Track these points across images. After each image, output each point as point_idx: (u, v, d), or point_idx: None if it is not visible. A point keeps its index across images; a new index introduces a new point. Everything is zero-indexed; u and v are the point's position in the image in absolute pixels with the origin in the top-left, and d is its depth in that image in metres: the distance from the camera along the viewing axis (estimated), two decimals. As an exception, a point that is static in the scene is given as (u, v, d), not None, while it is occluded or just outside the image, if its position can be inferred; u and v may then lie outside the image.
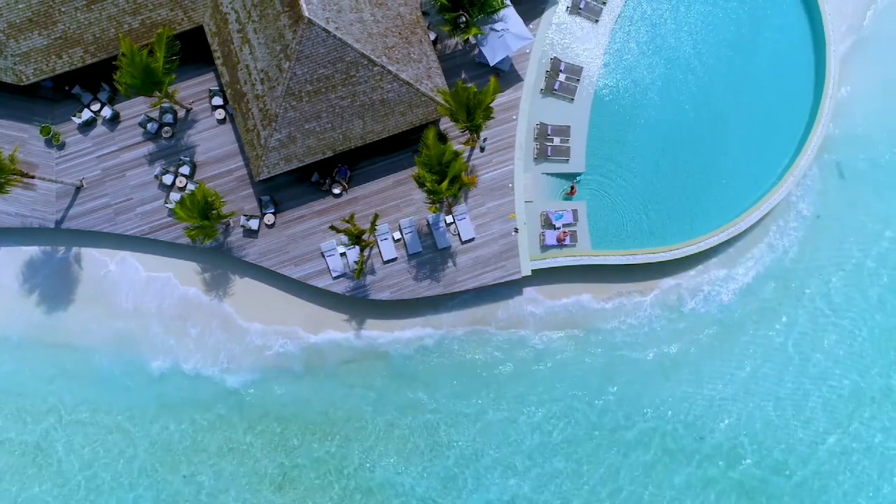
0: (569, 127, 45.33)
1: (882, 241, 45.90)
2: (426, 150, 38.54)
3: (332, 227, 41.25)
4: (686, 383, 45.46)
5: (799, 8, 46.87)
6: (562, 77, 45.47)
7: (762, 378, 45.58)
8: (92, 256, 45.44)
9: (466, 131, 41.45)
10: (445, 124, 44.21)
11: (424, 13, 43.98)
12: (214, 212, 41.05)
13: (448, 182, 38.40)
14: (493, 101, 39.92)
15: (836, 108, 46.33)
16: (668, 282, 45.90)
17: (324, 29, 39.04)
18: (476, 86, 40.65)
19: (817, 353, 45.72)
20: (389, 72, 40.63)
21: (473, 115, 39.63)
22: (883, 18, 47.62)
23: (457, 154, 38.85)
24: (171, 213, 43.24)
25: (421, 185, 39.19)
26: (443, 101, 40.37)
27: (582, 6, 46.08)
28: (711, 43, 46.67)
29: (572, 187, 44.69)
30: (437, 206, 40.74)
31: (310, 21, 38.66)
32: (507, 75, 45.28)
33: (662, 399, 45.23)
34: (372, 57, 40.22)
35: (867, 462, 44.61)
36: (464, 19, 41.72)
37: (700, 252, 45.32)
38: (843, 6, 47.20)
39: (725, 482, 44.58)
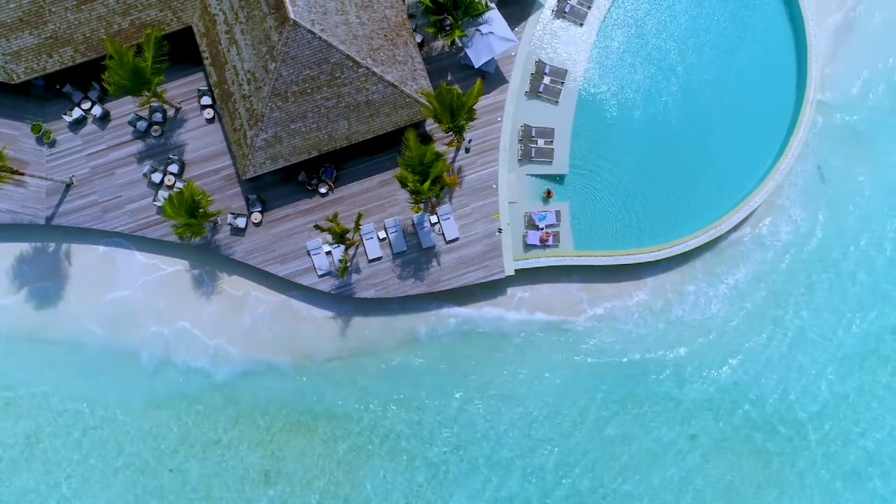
0: (553, 129, 45.90)
1: (859, 242, 46.45)
2: (408, 151, 39.17)
3: (317, 226, 41.84)
4: (668, 381, 46.01)
5: (782, 14, 47.35)
6: (546, 80, 46.04)
7: (742, 382, 46.14)
8: (81, 253, 46.05)
9: (451, 132, 42.00)
10: (430, 125, 44.78)
11: (410, 16, 44.58)
12: (201, 210, 41.64)
13: (430, 182, 39.00)
14: (475, 103, 40.53)
15: (818, 110, 46.81)
16: (650, 282, 46.43)
17: (309, 31, 39.64)
18: (460, 88, 41.28)
19: (800, 356, 46.30)
20: (374, 73, 41.22)
21: (457, 116, 40.22)
22: (865, 23, 47.98)
23: (438, 155, 39.47)
24: (160, 210, 43.83)
25: (404, 185, 39.79)
26: (426, 103, 40.93)
27: (567, 10, 46.64)
28: (695, 47, 47.26)
29: (548, 192, 45.18)
30: (420, 206, 41.32)
31: (295, 23, 39.27)
32: (492, 77, 45.85)
33: (645, 395, 45.73)
34: (357, 58, 40.83)
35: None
36: (448, 22, 42.26)
37: (682, 253, 45.85)
38: (825, 12, 47.65)
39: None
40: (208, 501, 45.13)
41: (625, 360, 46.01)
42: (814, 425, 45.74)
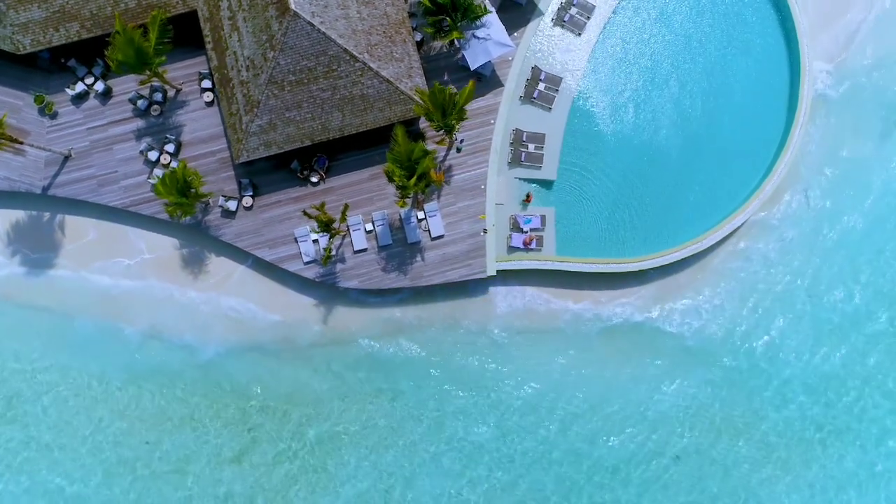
0: (544, 135, 46.67)
1: (836, 262, 47.25)
2: (396, 146, 40.01)
3: (304, 213, 42.69)
4: (645, 391, 46.78)
5: (778, 35, 48.01)
6: (541, 86, 46.82)
7: (714, 399, 46.85)
8: (75, 224, 46.98)
9: (441, 131, 42.82)
10: (424, 123, 45.59)
11: (411, 14, 45.39)
12: (193, 191, 42.57)
13: (416, 178, 39.81)
14: (467, 103, 41.36)
15: (807, 137, 47.49)
16: (628, 292, 47.10)
17: (309, 22, 40.52)
18: (455, 88, 42.17)
19: (776, 380, 47.00)
20: (370, 68, 42.09)
21: (448, 116, 41.05)
22: (860, 54, 48.63)
23: (426, 152, 40.29)
24: (153, 188, 44.76)
25: (391, 179, 40.64)
26: (419, 101, 41.75)
27: (566, 19, 47.40)
28: (691, 64, 48.00)
29: (528, 195, 45.92)
30: (406, 201, 42.13)
31: (295, 14, 40.17)
32: (488, 80, 46.66)
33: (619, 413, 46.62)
34: (354, 53, 41.70)
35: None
36: (446, 23, 43.06)
37: (664, 265, 46.52)
38: (822, 39, 48.38)
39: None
40: (180, 476, 45.92)
41: (603, 369, 46.70)
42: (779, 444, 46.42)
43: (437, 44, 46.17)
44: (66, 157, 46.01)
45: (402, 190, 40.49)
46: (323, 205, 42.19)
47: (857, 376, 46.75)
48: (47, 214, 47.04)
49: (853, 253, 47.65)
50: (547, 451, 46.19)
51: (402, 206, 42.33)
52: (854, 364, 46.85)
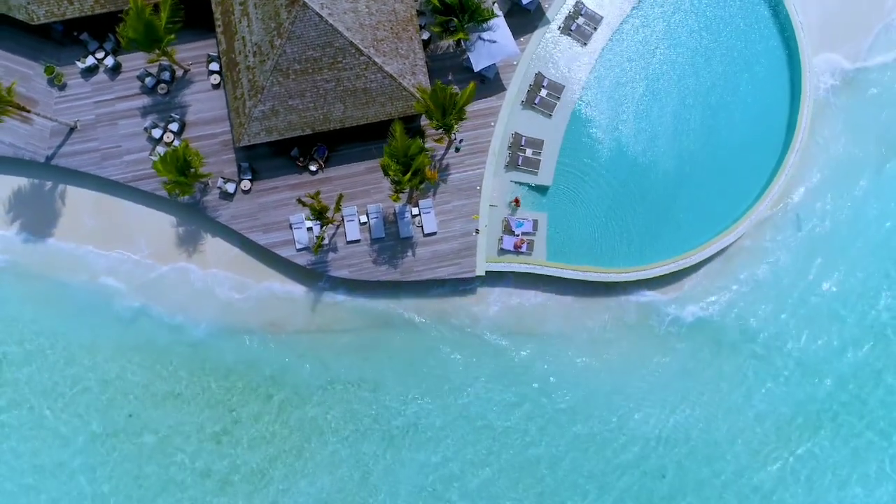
0: (542, 141, 47.23)
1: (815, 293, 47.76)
2: (394, 141, 40.66)
3: (299, 201, 43.36)
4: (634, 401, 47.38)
5: (782, 59, 48.46)
6: (543, 92, 47.37)
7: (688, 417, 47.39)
8: (75, 195, 47.74)
9: (440, 129, 43.42)
10: (425, 121, 46.16)
11: (420, 13, 45.98)
12: (192, 170, 43.27)
13: (410, 174, 40.43)
14: (466, 104, 41.95)
15: (803, 161, 47.91)
16: (615, 301, 47.55)
17: (317, 13, 41.21)
18: (455, 88, 42.76)
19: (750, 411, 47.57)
20: (375, 63, 42.75)
21: (447, 115, 41.65)
22: (864, 80, 49.10)
23: (422, 149, 40.90)
24: (153, 165, 45.39)
25: (386, 173, 41.27)
26: (420, 98, 42.37)
27: (573, 28, 47.94)
28: (693, 80, 48.49)
29: (516, 199, 46.45)
30: (400, 196, 42.74)
31: (304, 4, 40.89)
32: (491, 83, 47.27)
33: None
34: (360, 46, 42.37)
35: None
36: (453, 23, 43.65)
37: (651, 278, 47.01)
38: (826, 60, 48.93)
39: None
40: (160, 449, 46.59)
41: (582, 377, 47.23)
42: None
43: (444, 43, 46.76)
44: (72, 129, 46.79)
45: (397, 184, 41.13)
46: (318, 193, 42.84)
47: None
48: (49, 184, 47.81)
49: (845, 277, 48.09)
50: (524, 448, 46.67)
51: (395, 201, 42.92)
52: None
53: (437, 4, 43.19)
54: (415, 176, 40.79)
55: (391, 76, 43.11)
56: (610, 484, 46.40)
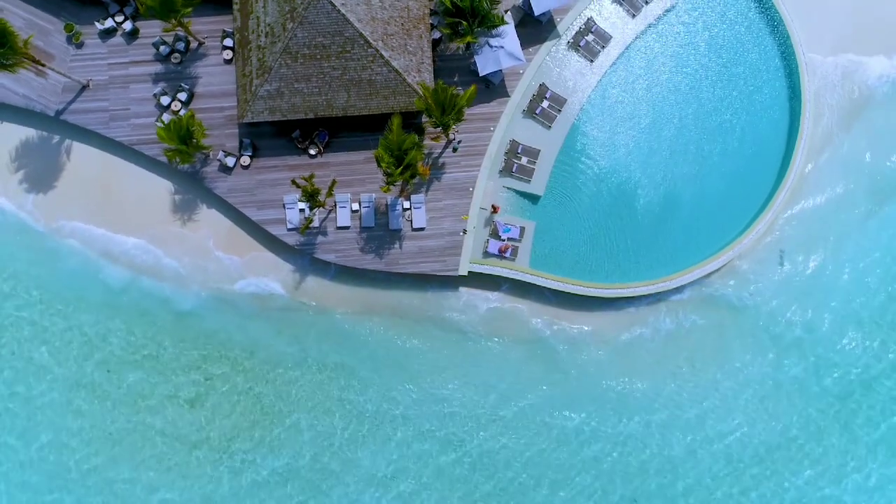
0: (539, 150, 48.07)
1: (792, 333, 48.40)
2: (390, 134, 41.60)
3: (293, 182, 44.37)
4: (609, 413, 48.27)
5: (784, 98, 49.14)
6: (545, 103, 48.20)
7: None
8: (80, 152, 48.92)
9: (438, 128, 44.34)
10: (426, 120, 47.01)
11: (434, 13, 46.87)
12: (194, 140, 44.38)
13: (402, 168, 41.38)
14: (465, 106, 42.84)
15: (793, 198, 48.60)
16: (591, 316, 48.35)
17: (331, 2, 42.29)
18: (458, 89, 43.71)
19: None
20: (382, 56, 43.72)
21: (446, 114, 42.57)
22: (862, 127, 49.72)
23: (416, 145, 41.82)
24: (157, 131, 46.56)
25: (379, 164, 42.23)
26: (422, 95, 43.30)
27: (582, 44, 48.74)
28: (695, 107, 49.22)
29: (494, 207, 47.23)
30: (392, 188, 43.68)
31: (319, -9, 41.91)
32: (495, 88, 48.15)
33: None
34: (369, 39, 43.35)
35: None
36: (463, 26, 44.54)
37: (630, 297, 47.81)
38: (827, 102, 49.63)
39: None
40: (132, 407, 47.80)
41: (544, 383, 48.14)
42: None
43: (455, 45, 47.64)
44: (84, 87, 47.99)
45: (389, 176, 42.07)
46: (312, 176, 43.84)
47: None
48: (56, 138, 49.03)
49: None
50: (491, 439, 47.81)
51: (386, 192, 43.86)
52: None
53: (449, 6, 44.05)
54: (406, 170, 41.74)
55: (396, 71, 44.07)
56: (564, 480, 47.38)
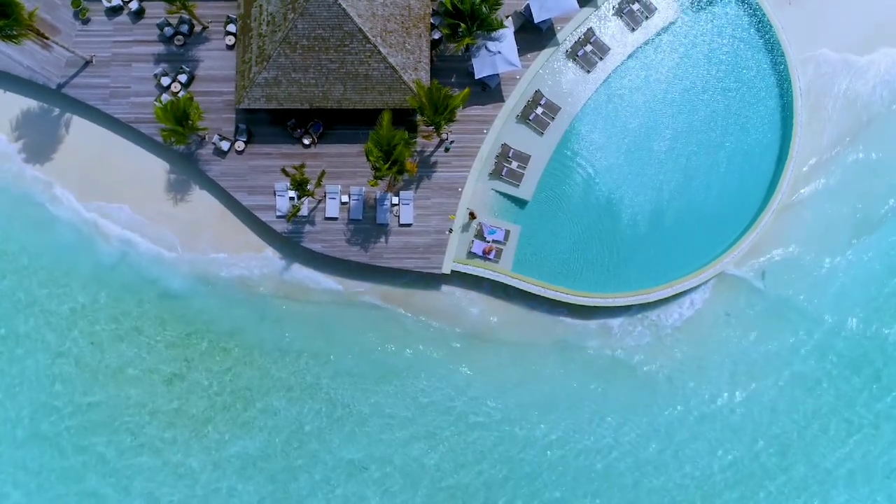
0: (530, 156, 48.60)
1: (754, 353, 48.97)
2: (380, 129, 42.21)
3: (283, 170, 45.02)
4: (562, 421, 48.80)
5: (777, 121, 49.54)
6: (539, 110, 48.73)
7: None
8: (79, 127, 49.69)
9: (430, 127, 44.92)
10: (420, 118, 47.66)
11: (436, 13, 47.43)
12: (189, 122, 45.06)
13: (390, 163, 41.99)
14: (457, 106, 43.41)
15: (778, 220, 48.98)
16: (568, 323, 48.83)
17: (332, -5, 42.93)
18: (453, 90, 44.31)
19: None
20: (379, 52, 44.34)
21: (438, 113, 43.15)
22: (851, 151, 50.11)
23: (405, 141, 42.42)
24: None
25: (368, 158, 42.84)
26: (416, 93, 43.89)
27: (580, 54, 49.24)
28: (686, 125, 49.62)
29: (471, 213, 47.80)
30: (378, 182, 44.27)
31: (320, -16, 42.56)
32: (491, 92, 48.71)
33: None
34: (368, 34, 43.98)
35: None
36: (461, 28, 45.10)
37: (609, 307, 48.28)
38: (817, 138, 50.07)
39: None
40: (114, 380, 48.49)
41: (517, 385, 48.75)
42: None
43: (453, 46, 48.17)
44: (87, 63, 48.75)
45: (376, 171, 42.67)
46: (302, 165, 44.48)
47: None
48: (56, 110, 49.82)
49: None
50: (472, 445, 48.66)
51: (373, 185, 44.48)
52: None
53: (449, 7, 44.63)
54: (394, 165, 42.34)
55: (393, 67, 44.68)
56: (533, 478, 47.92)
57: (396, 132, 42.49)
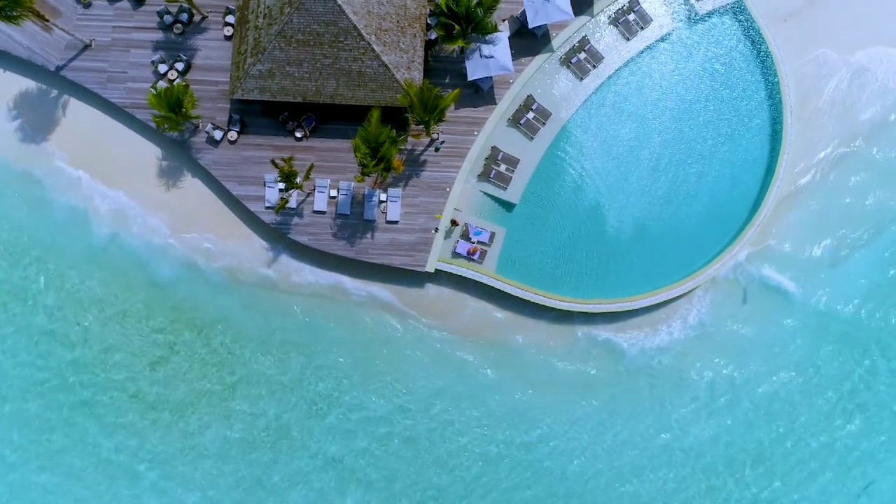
0: (519, 160, 49.00)
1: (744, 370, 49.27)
2: (368, 126, 42.69)
3: (273, 162, 45.52)
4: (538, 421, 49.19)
5: (766, 137, 49.91)
6: (530, 115, 49.14)
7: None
8: (75, 109, 50.27)
9: (420, 126, 45.37)
10: (414, 116, 48.09)
11: (434, 13, 47.85)
12: (183, 110, 45.59)
13: (377, 160, 42.46)
14: (447, 107, 43.87)
15: (762, 235, 49.31)
16: (551, 328, 49.23)
17: (328, -9, 43.39)
18: (441, 90, 44.75)
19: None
20: (373, 50, 44.80)
21: (428, 113, 43.60)
22: (838, 173, 50.43)
23: (394, 140, 42.89)
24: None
25: (355, 154, 43.32)
26: (406, 92, 44.35)
27: (574, 61, 49.64)
28: (677, 135, 50.00)
29: (453, 221, 48.20)
30: (365, 178, 44.72)
31: (318, -20, 43.03)
32: (484, 94, 49.14)
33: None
34: (363, 32, 44.44)
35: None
36: (455, 30, 45.53)
37: (588, 313, 48.65)
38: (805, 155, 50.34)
39: None
40: (100, 362, 49.03)
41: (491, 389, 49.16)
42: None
43: (450, 47, 48.59)
44: (86, 46, 49.32)
45: (363, 167, 43.14)
46: (291, 158, 44.98)
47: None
48: (54, 92, 50.39)
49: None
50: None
51: (359, 181, 44.93)
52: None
53: (444, 9, 45.06)
54: (380, 162, 42.79)
55: (386, 66, 45.13)
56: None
57: (384, 130, 42.93)
